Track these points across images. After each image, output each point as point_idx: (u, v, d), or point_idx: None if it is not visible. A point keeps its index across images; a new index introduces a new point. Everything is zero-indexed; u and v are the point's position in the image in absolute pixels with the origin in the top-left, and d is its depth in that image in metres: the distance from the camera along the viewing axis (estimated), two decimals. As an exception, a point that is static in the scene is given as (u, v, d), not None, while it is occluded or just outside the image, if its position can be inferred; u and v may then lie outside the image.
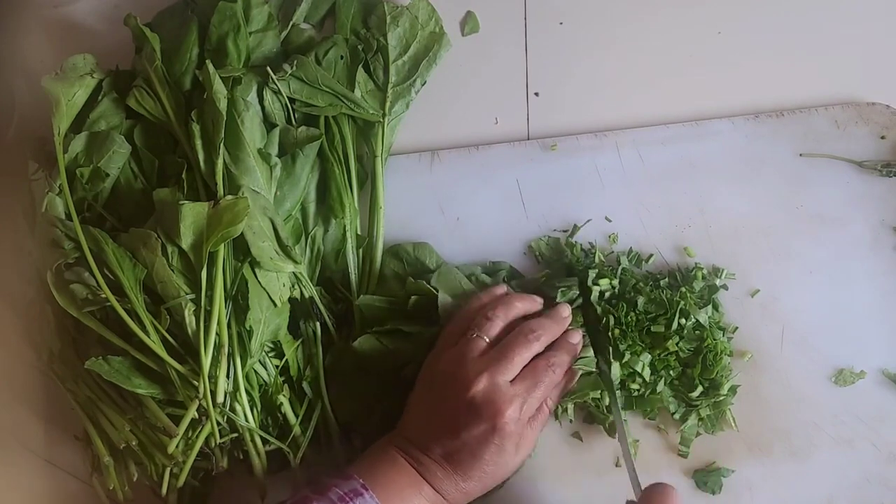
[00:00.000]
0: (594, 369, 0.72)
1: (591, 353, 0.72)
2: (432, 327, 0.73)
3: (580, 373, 0.71)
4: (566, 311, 0.72)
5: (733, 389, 0.73)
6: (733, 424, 0.73)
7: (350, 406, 0.74)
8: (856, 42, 0.83)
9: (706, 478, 0.72)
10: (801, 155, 0.80)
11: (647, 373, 0.72)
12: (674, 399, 0.73)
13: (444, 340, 0.71)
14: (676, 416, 0.73)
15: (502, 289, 0.74)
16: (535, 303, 0.73)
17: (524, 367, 0.68)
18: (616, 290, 0.75)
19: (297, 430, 0.72)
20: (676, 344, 0.72)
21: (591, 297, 0.74)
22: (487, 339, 0.68)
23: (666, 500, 0.63)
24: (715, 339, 0.72)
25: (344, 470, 0.65)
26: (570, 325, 0.73)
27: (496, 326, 0.69)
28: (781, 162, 0.80)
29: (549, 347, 0.70)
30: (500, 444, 0.65)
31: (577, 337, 0.72)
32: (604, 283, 0.75)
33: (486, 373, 0.65)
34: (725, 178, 0.80)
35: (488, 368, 0.66)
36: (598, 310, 0.74)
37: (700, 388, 0.72)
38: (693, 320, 0.73)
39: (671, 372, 0.73)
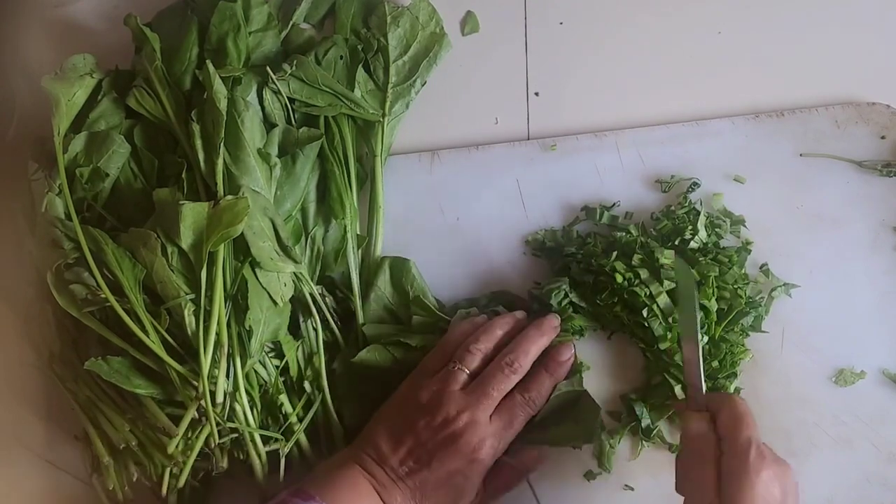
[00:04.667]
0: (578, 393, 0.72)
1: (577, 377, 0.72)
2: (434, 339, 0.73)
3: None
4: (554, 321, 0.72)
5: (737, 391, 0.73)
6: (733, 424, 0.73)
7: (356, 409, 0.74)
8: (856, 42, 0.83)
9: (706, 478, 0.72)
10: (801, 155, 0.80)
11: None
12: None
13: (424, 369, 0.71)
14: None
15: (483, 318, 0.74)
16: (516, 321, 0.73)
17: (503, 400, 0.68)
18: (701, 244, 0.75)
19: (296, 425, 0.72)
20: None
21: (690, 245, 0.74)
22: (468, 372, 0.69)
23: (742, 411, 0.63)
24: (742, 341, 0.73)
25: (303, 487, 0.65)
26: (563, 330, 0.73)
27: (477, 359, 0.70)
28: (781, 162, 0.80)
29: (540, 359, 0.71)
30: (471, 477, 0.66)
31: (566, 353, 0.71)
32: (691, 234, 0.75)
33: (468, 411, 0.66)
34: (725, 178, 0.80)
35: (469, 406, 0.67)
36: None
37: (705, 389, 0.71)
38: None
39: None
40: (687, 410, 0.66)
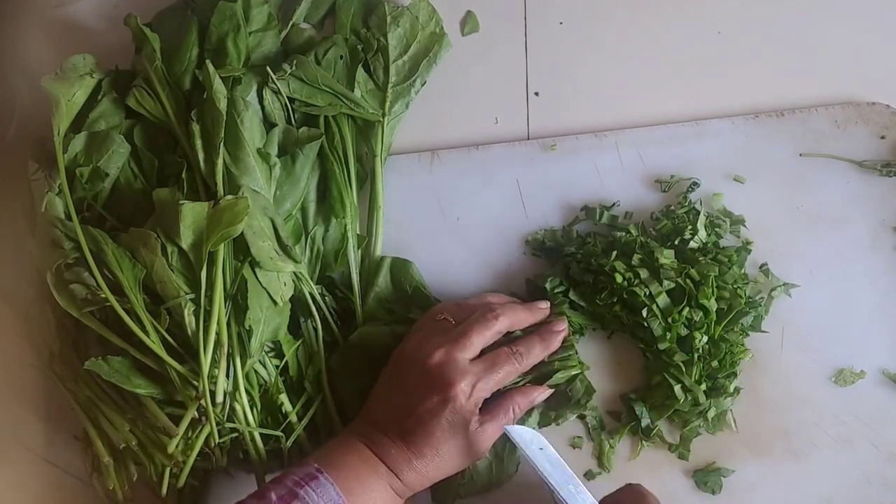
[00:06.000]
0: (572, 374, 0.72)
1: (573, 353, 0.72)
2: None
3: (550, 392, 0.72)
4: (543, 303, 0.73)
5: (737, 391, 0.73)
6: (733, 425, 0.73)
7: (361, 402, 0.74)
8: (856, 42, 0.83)
9: (706, 478, 0.72)
10: (801, 155, 0.80)
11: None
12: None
13: (413, 329, 0.72)
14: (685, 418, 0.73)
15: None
16: (508, 298, 0.74)
17: (489, 351, 0.69)
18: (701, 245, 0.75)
19: (296, 425, 0.72)
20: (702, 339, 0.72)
21: (691, 244, 0.75)
22: (452, 321, 0.70)
23: (642, 492, 0.64)
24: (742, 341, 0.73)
25: (304, 459, 0.66)
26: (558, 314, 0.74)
27: (463, 311, 0.71)
28: (781, 162, 0.80)
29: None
30: (451, 420, 0.65)
31: (560, 325, 0.72)
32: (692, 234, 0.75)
33: (444, 347, 0.67)
34: (725, 177, 0.80)
35: (446, 344, 0.67)
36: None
37: (704, 390, 0.71)
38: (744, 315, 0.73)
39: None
40: None
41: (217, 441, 0.69)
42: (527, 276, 0.78)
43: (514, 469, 0.73)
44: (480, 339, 0.68)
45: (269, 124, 0.76)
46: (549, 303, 0.74)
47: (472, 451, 0.67)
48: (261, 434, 0.71)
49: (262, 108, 0.76)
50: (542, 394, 0.71)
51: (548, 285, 0.75)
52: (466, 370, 0.66)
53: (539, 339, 0.71)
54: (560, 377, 0.72)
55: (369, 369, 0.72)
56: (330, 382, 0.74)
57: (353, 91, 0.80)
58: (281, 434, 0.71)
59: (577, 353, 0.73)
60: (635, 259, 0.73)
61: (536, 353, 0.71)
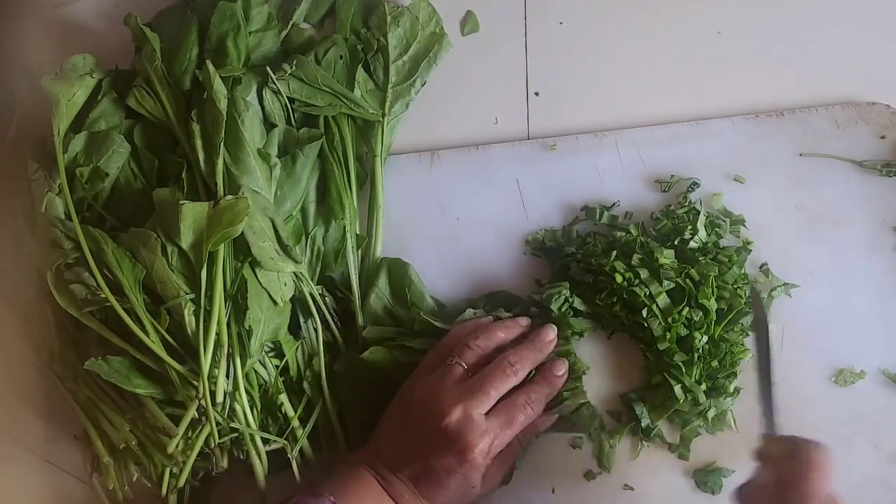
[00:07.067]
0: (579, 402, 0.72)
1: (579, 384, 0.72)
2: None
3: (556, 416, 0.72)
4: (550, 334, 0.72)
5: (737, 391, 0.73)
6: (733, 425, 0.73)
7: (361, 411, 0.74)
8: (856, 42, 0.83)
9: (706, 478, 0.72)
10: (801, 155, 0.80)
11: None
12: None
13: (423, 367, 0.71)
14: (685, 418, 0.73)
15: (487, 320, 0.74)
16: (518, 327, 0.73)
17: (502, 401, 0.68)
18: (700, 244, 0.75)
19: (298, 428, 0.72)
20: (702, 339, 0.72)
21: (692, 244, 0.74)
22: (465, 366, 0.68)
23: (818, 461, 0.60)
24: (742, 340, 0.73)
25: (314, 487, 0.65)
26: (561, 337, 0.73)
27: (475, 354, 0.69)
28: (781, 162, 0.80)
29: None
30: (466, 475, 0.65)
31: (561, 369, 0.71)
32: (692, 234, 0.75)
33: (461, 404, 0.66)
34: (725, 177, 0.80)
35: (463, 400, 0.66)
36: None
37: (704, 390, 0.71)
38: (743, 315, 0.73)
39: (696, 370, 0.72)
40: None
41: (217, 441, 0.69)
42: (529, 293, 0.77)
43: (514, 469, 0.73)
44: (497, 393, 0.67)
45: (269, 124, 0.76)
46: (555, 331, 0.72)
47: (481, 490, 0.68)
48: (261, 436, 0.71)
49: (262, 108, 0.76)
50: (546, 422, 0.72)
51: (553, 306, 0.74)
52: (484, 430, 0.65)
53: (545, 383, 0.70)
54: (567, 406, 0.72)
55: (370, 385, 0.73)
56: (330, 385, 0.74)
57: (353, 91, 0.80)
58: (286, 442, 0.71)
59: (583, 384, 0.73)
60: (635, 259, 0.73)
61: (547, 394, 0.70)
